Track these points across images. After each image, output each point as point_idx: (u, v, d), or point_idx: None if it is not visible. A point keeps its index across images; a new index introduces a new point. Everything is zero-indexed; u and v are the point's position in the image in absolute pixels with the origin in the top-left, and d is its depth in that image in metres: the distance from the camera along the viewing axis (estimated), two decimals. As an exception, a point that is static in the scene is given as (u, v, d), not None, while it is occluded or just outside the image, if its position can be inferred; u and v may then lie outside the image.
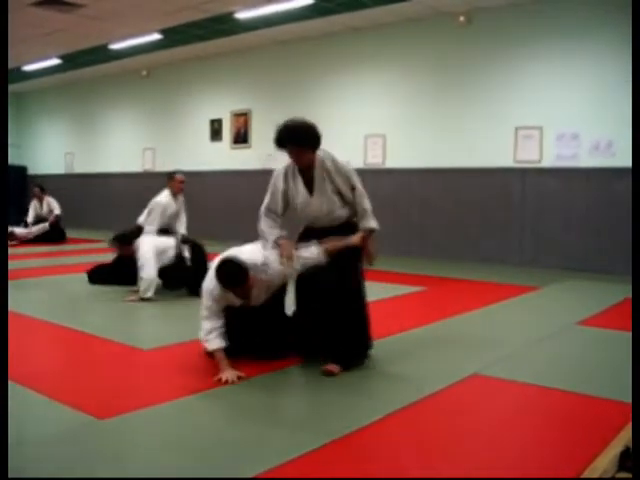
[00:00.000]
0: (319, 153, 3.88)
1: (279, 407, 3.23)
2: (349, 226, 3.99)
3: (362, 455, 2.67)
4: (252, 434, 2.87)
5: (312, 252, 3.81)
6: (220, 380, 3.49)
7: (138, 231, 6.67)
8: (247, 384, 3.53)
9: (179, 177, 7.14)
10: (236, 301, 3.77)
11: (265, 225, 3.97)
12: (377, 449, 2.73)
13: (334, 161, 3.90)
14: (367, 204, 3.98)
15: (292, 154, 3.86)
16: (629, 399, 2.84)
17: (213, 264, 3.78)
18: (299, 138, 3.81)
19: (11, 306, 4.92)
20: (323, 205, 3.92)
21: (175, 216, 7.11)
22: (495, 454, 2.70)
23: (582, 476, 2.43)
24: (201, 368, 3.84)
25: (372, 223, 3.96)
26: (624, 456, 2.55)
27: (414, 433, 2.94)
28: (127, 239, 6.43)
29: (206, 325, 3.71)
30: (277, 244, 3.85)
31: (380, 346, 4.38)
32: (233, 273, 3.62)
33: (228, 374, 3.53)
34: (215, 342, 3.67)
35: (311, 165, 3.88)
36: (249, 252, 3.81)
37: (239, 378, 3.53)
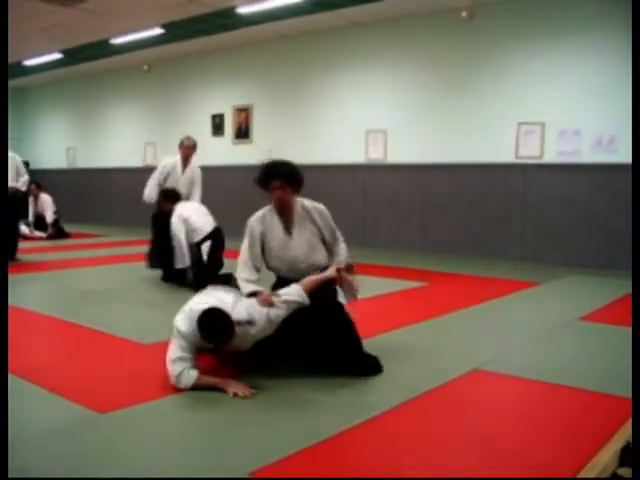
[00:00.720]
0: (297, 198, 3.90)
1: (279, 404, 3.22)
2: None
3: (362, 451, 2.67)
4: (252, 430, 2.87)
5: (292, 292, 3.54)
6: (236, 395, 3.25)
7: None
8: (248, 380, 3.53)
9: (187, 142, 7.22)
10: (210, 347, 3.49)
11: (243, 274, 3.76)
12: (377, 445, 2.73)
13: (313, 203, 3.93)
14: (344, 249, 3.98)
15: (276, 190, 3.78)
16: (629, 394, 2.84)
17: (194, 308, 3.44)
18: (287, 174, 3.80)
19: (11, 301, 4.93)
20: (303, 246, 3.81)
21: (186, 183, 7.18)
22: (495, 449, 2.70)
23: (583, 471, 2.43)
24: (200, 364, 3.84)
25: (348, 260, 3.96)
26: (625, 451, 2.55)
27: (414, 428, 2.94)
28: (175, 197, 6.69)
29: (178, 367, 3.35)
30: (254, 295, 3.62)
31: (381, 341, 4.39)
32: (220, 328, 3.30)
33: (239, 389, 3.29)
34: (192, 375, 3.34)
35: (290, 206, 3.85)
36: (231, 305, 3.47)
37: (251, 391, 3.31)
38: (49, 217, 11.80)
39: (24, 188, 8.68)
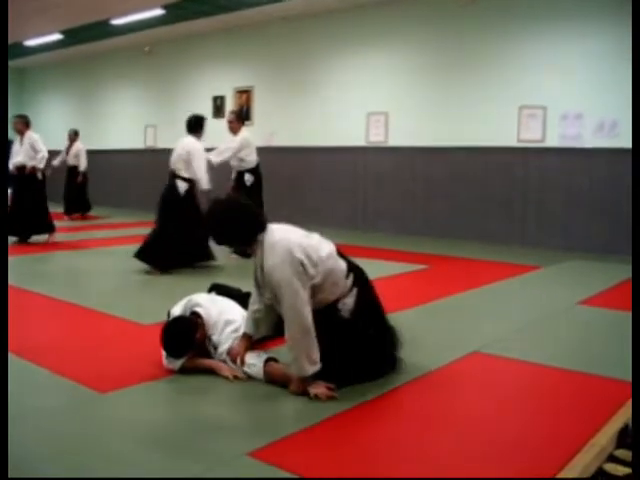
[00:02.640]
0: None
1: (271, 386, 3.23)
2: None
3: (361, 430, 2.68)
4: (251, 410, 2.89)
5: (255, 370, 3.23)
6: (228, 378, 3.22)
7: None
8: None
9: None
10: None
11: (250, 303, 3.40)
12: (375, 426, 2.74)
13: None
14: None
15: None
16: (629, 377, 2.84)
17: (192, 299, 3.57)
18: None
19: (11, 281, 4.94)
20: None
21: None
22: (495, 431, 2.71)
23: (581, 452, 2.44)
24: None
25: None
26: (623, 433, 2.56)
27: (413, 410, 2.95)
28: None
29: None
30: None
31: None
32: (175, 339, 3.29)
33: (231, 371, 3.26)
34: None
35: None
36: (213, 321, 3.48)
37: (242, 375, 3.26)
38: (82, 165, 12.01)
39: (41, 165, 8.41)
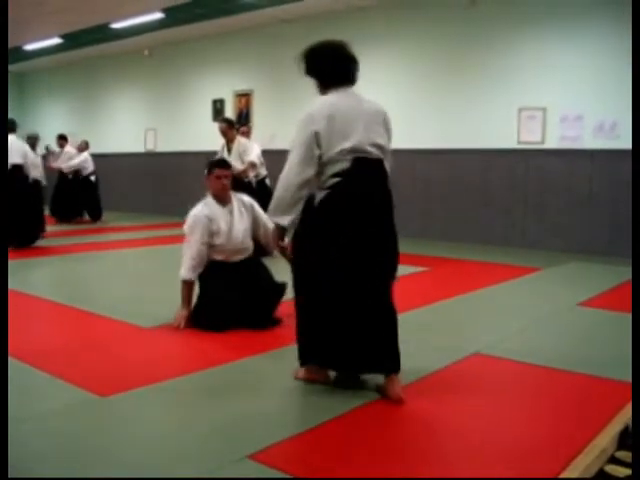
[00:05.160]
0: None
1: (281, 389, 3.23)
2: None
3: (362, 435, 2.68)
4: (251, 412, 2.88)
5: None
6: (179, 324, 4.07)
7: None
8: (246, 364, 3.54)
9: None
10: (220, 220, 4.24)
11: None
12: (378, 428, 2.74)
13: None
14: None
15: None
16: (629, 379, 2.84)
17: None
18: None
19: (12, 286, 4.94)
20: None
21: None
22: (495, 432, 2.71)
23: (582, 454, 2.44)
24: (200, 346, 3.85)
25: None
26: (624, 435, 2.56)
27: (415, 411, 2.95)
28: None
29: (190, 262, 4.23)
30: None
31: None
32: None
33: (179, 319, 4.19)
34: (189, 276, 4.25)
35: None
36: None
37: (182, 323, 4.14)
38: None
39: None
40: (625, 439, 2.54)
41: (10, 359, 3.22)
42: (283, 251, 3.21)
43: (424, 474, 2.33)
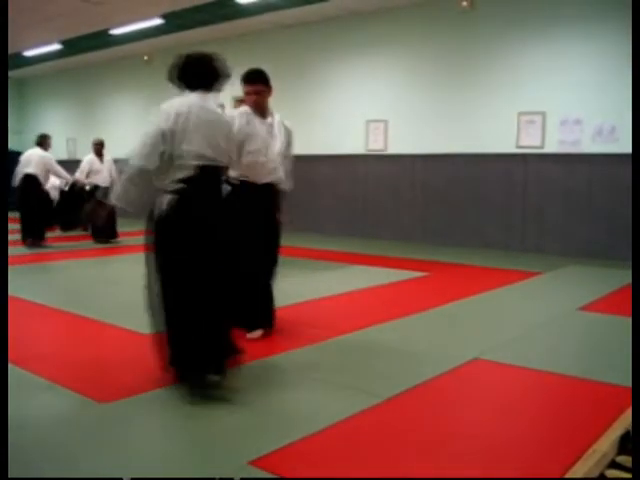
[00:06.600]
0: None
1: (273, 393, 3.23)
2: None
3: (363, 442, 2.68)
4: (251, 419, 2.88)
5: None
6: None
7: None
8: (243, 370, 3.54)
9: None
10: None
11: None
12: (378, 434, 2.74)
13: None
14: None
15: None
16: (629, 383, 2.84)
17: None
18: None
19: (11, 291, 4.93)
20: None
21: None
22: (496, 437, 2.71)
23: (583, 458, 2.44)
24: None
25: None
26: (624, 439, 2.56)
27: (414, 417, 2.94)
28: None
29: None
30: None
31: (383, 330, 4.41)
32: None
33: None
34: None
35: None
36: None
37: None
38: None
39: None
40: (626, 443, 2.54)
41: (9, 365, 3.21)
42: None
43: (424, 477, 2.32)
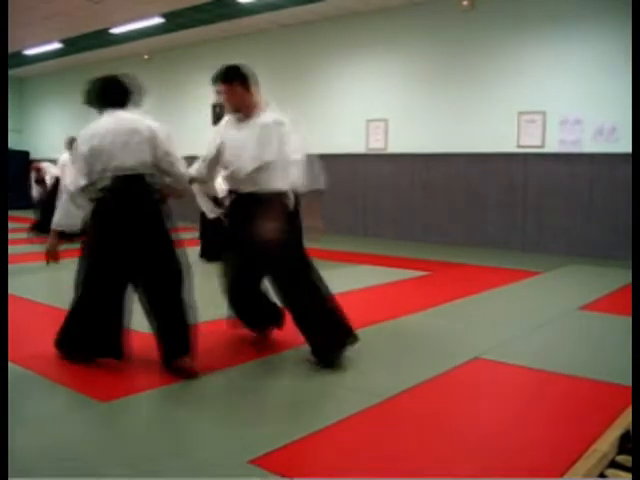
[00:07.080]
0: None
1: (274, 393, 3.23)
2: None
3: (362, 441, 2.68)
4: (251, 419, 2.88)
5: None
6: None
7: None
8: (245, 368, 3.54)
9: None
10: None
11: None
12: (378, 434, 2.74)
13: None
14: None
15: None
16: (629, 383, 2.84)
17: None
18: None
19: (10, 290, 4.93)
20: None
21: None
22: (496, 437, 2.71)
23: (583, 458, 2.44)
24: (198, 351, 3.84)
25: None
26: (624, 439, 2.56)
27: (415, 416, 2.94)
28: None
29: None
30: None
31: (384, 329, 4.41)
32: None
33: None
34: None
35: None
36: None
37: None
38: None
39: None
40: (625, 443, 2.54)
41: (9, 364, 3.21)
42: None
43: (424, 476, 2.32)
